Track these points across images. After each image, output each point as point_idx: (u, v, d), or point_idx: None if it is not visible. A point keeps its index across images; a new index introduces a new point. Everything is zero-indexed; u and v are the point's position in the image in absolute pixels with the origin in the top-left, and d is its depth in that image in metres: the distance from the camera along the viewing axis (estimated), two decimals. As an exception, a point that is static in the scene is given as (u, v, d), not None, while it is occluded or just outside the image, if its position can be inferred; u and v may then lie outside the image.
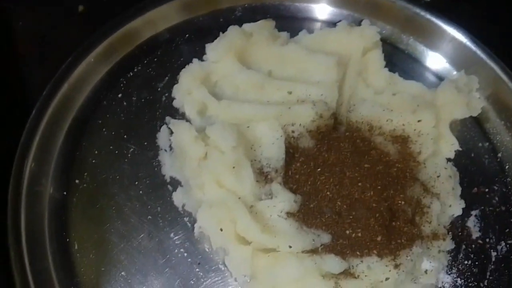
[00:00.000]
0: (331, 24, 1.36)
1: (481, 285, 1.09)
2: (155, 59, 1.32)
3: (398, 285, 1.02)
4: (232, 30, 1.26)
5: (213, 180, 1.07)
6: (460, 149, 1.20)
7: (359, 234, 1.02)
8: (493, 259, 1.11)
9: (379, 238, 1.01)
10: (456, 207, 1.14)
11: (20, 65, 1.32)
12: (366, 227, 1.02)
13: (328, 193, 1.07)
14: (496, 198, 1.19)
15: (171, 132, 1.18)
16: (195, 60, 1.26)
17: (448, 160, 1.20)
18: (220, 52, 1.23)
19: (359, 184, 1.07)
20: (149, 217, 1.11)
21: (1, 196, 1.06)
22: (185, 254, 1.08)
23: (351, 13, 1.42)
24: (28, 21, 1.38)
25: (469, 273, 1.10)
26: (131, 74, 1.29)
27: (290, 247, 0.99)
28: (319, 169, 1.10)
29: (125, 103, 1.25)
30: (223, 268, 1.06)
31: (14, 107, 1.22)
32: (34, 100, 1.17)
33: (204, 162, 1.10)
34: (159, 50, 1.33)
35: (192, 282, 1.05)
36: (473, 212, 1.16)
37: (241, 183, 1.06)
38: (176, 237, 1.09)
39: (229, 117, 1.16)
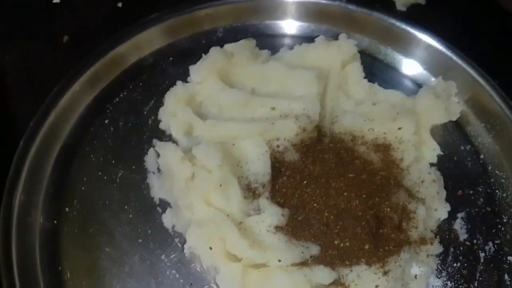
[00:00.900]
0: (310, 39, 1.40)
1: (471, 286, 1.09)
2: (140, 84, 1.35)
3: (389, 292, 1.02)
4: (214, 51, 1.29)
5: (201, 199, 1.09)
6: (443, 153, 1.23)
7: (347, 244, 1.03)
8: (482, 260, 1.13)
9: (366, 246, 1.02)
10: (442, 211, 1.15)
11: (8, 97, 1.34)
12: (354, 236, 1.04)
13: (315, 204, 1.09)
14: (481, 200, 1.21)
15: (158, 155, 1.20)
16: (179, 82, 1.29)
17: (432, 165, 1.22)
18: (204, 73, 1.27)
19: (345, 194, 1.09)
20: (140, 240, 1.12)
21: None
22: (177, 275, 1.08)
23: (329, 28, 1.46)
24: (15, 53, 1.41)
25: (458, 275, 1.11)
26: (117, 99, 1.32)
27: (280, 261, 1.00)
28: (305, 182, 1.12)
29: (112, 129, 1.27)
30: (215, 287, 1.07)
31: (1, 139, 1.24)
32: (22, 131, 1.19)
33: (191, 182, 1.12)
34: (144, 74, 1.36)
35: (185, 303, 1.05)
36: (459, 215, 1.18)
37: (229, 201, 1.08)
38: (168, 259, 1.10)
39: (215, 136, 1.18)
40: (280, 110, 1.22)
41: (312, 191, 1.10)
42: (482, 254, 1.13)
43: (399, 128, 1.18)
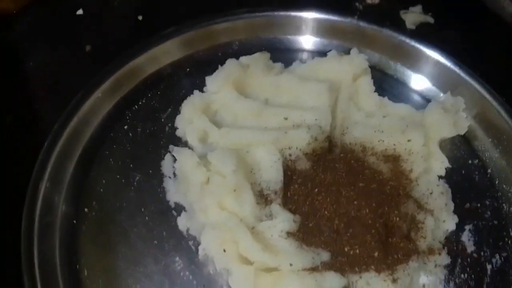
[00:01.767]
0: (322, 54, 1.45)
1: (479, 297, 1.11)
2: (158, 92, 1.40)
3: (398, 300, 1.04)
4: (230, 62, 1.34)
5: (216, 203, 1.12)
6: (451, 166, 1.25)
7: (357, 251, 1.06)
8: (489, 272, 1.14)
9: (376, 254, 1.04)
10: (450, 222, 1.17)
11: (32, 102, 1.40)
12: (363, 243, 1.06)
13: (325, 212, 1.12)
14: (488, 213, 1.23)
15: (175, 160, 1.24)
16: (196, 92, 1.34)
17: (440, 177, 1.24)
18: (219, 84, 1.32)
19: (355, 202, 1.11)
20: (155, 242, 1.15)
21: (15, 226, 1.11)
22: (190, 277, 1.11)
23: (341, 43, 1.51)
24: (40, 61, 1.48)
25: (466, 287, 1.12)
26: (136, 107, 1.37)
27: (291, 265, 1.03)
28: (316, 190, 1.14)
29: (131, 134, 1.32)
30: (227, 289, 1.09)
31: (26, 142, 1.29)
32: (46, 134, 1.24)
33: (206, 187, 1.15)
34: (162, 84, 1.42)
35: (198, 305, 1.08)
36: (467, 227, 1.19)
37: (242, 206, 1.11)
38: (181, 260, 1.13)
39: (229, 143, 1.22)
40: (292, 120, 1.26)
41: (323, 199, 1.13)
42: (489, 266, 1.15)
43: (409, 140, 1.22)
